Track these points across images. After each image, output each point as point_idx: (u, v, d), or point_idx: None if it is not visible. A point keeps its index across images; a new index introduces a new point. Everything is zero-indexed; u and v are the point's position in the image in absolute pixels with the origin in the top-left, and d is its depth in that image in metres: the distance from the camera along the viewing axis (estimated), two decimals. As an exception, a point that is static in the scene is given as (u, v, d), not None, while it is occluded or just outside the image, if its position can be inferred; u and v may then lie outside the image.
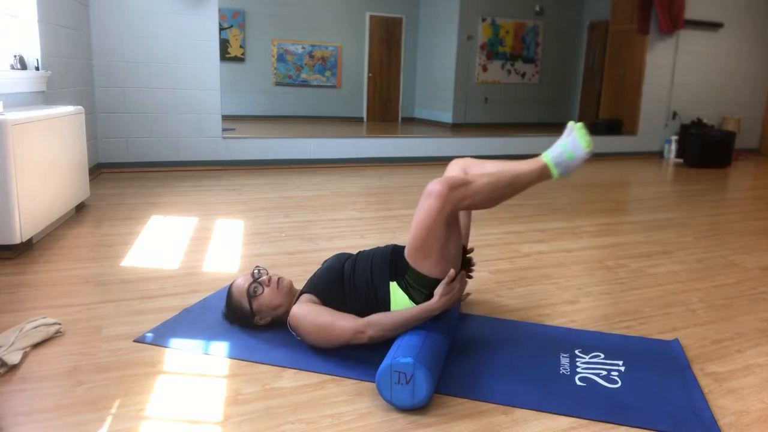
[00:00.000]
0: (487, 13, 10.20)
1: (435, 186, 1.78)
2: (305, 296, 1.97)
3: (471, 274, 2.20)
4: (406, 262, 1.91)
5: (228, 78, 9.40)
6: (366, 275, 1.95)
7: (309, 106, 10.78)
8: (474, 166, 2.10)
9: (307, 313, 1.87)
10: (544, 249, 3.30)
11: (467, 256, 2.15)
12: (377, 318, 1.81)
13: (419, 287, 1.88)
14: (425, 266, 1.86)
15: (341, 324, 1.81)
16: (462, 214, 2.10)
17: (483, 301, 2.48)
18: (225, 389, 1.72)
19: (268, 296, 2.00)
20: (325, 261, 2.18)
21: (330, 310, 1.88)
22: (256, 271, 2.06)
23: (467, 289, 2.60)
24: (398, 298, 1.90)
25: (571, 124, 1.97)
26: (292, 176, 5.49)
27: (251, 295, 2.00)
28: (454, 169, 2.15)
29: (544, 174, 1.92)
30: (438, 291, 1.82)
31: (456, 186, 1.78)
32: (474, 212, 4.11)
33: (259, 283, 2.01)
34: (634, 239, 3.59)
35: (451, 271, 1.80)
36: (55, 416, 1.55)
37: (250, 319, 2.04)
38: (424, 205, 1.80)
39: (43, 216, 3.10)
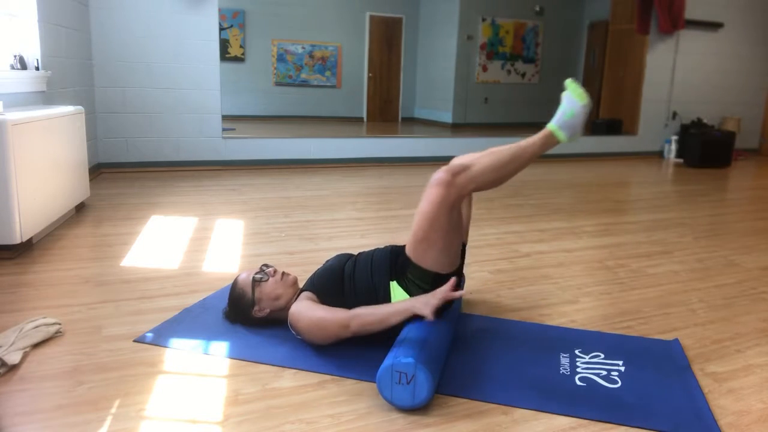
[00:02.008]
0: (487, 13, 10.20)
1: (438, 174, 1.80)
2: (304, 294, 1.98)
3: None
4: (407, 258, 1.91)
5: (228, 78, 9.40)
6: (366, 275, 1.96)
7: (309, 106, 10.78)
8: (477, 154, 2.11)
9: (303, 309, 1.88)
10: (544, 249, 3.30)
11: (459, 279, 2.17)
12: (360, 312, 1.81)
13: (420, 283, 1.88)
14: (427, 259, 1.87)
15: (330, 317, 1.83)
16: (463, 208, 2.10)
17: (483, 301, 2.48)
18: (225, 389, 1.72)
19: (271, 285, 2.04)
20: (327, 261, 2.18)
21: (324, 306, 1.89)
22: (263, 266, 2.11)
23: (469, 288, 2.60)
24: (398, 297, 1.90)
25: (566, 82, 1.97)
26: (292, 176, 5.49)
27: (256, 280, 2.03)
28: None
29: (549, 141, 1.91)
30: (432, 302, 1.76)
31: (458, 171, 1.79)
32: (474, 212, 4.12)
33: (265, 273, 2.06)
34: (634, 239, 3.59)
35: (452, 279, 1.78)
36: (55, 416, 1.55)
37: (249, 309, 2.05)
38: (428, 194, 1.81)
39: (43, 216, 3.10)
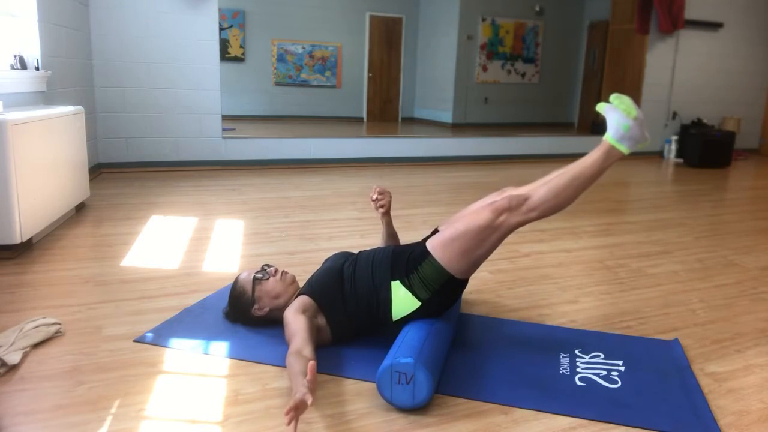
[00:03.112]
0: (487, 13, 10.20)
1: (503, 203, 1.83)
2: (300, 299, 1.97)
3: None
4: (426, 252, 1.92)
5: (228, 78, 9.39)
6: (367, 276, 1.96)
7: (309, 106, 10.78)
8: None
9: (288, 322, 1.87)
10: (544, 249, 3.30)
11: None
12: (292, 355, 1.67)
13: (430, 281, 1.88)
14: (452, 262, 1.88)
15: (291, 343, 1.77)
16: None
17: (483, 301, 2.48)
18: (225, 389, 1.72)
19: (271, 284, 2.05)
20: (326, 260, 2.18)
21: (304, 326, 1.81)
22: (264, 265, 2.13)
23: (469, 288, 2.60)
24: (400, 297, 1.90)
25: (611, 98, 1.93)
26: (292, 176, 5.49)
27: (257, 278, 2.05)
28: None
29: (612, 154, 1.89)
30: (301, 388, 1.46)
31: (515, 206, 1.82)
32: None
33: (266, 272, 2.08)
34: (634, 239, 3.59)
35: (311, 363, 1.49)
36: (55, 416, 1.55)
37: (249, 308, 2.05)
38: (484, 217, 1.83)
39: (43, 216, 3.10)
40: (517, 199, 1.84)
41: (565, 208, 1.90)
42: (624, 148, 1.89)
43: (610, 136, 1.90)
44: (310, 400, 1.40)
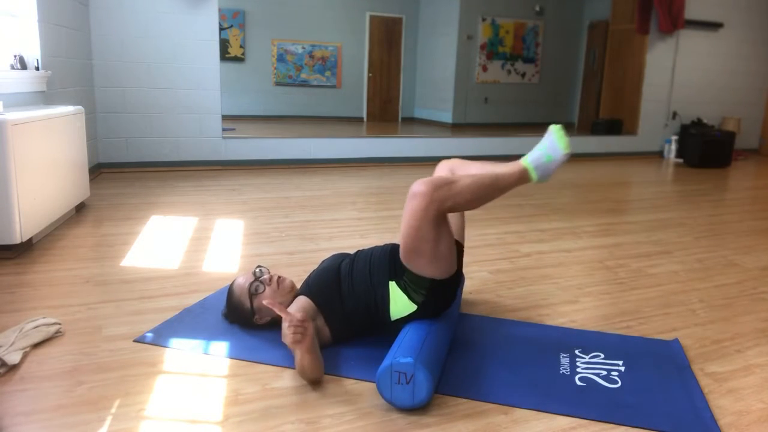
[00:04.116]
0: (487, 13, 10.20)
1: (419, 187, 1.76)
2: (298, 300, 1.97)
3: None
4: (402, 264, 1.90)
5: (228, 78, 9.39)
6: (365, 275, 1.95)
7: (309, 106, 10.78)
8: (460, 167, 2.10)
9: None
10: (544, 249, 3.30)
11: None
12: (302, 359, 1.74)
13: (417, 288, 1.88)
14: (419, 266, 1.86)
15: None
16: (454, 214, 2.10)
17: (483, 301, 2.48)
18: (225, 389, 1.72)
19: (268, 294, 2.00)
20: (323, 261, 2.18)
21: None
22: (257, 270, 2.07)
23: (469, 288, 2.60)
24: (397, 298, 1.90)
25: (551, 126, 1.95)
26: (292, 176, 5.49)
27: (252, 293, 2.00)
28: (442, 170, 2.15)
29: (523, 177, 1.89)
30: (292, 346, 1.73)
31: (440, 186, 1.76)
32: (473, 212, 4.12)
33: (261, 282, 2.02)
34: (634, 239, 3.59)
35: (298, 315, 1.71)
36: (55, 416, 1.55)
37: (250, 318, 2.04)
38: (409, 206, 1.78)
39: (43, 216, 3.10)
40: (440, 181, 1.78)
41: (473, 208, 1.87)
42: (534, 176, 1.90)
43: (528, 160, 1.90)
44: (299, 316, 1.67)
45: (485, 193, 1.84)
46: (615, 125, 7.87)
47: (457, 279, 1.95)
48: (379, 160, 6.42)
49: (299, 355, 1.71)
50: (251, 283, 2.02)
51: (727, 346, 2.11)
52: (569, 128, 10.46)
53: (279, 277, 2.06)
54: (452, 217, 2.05)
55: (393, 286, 1.91)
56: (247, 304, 2.02)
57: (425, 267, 1.85)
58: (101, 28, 5.14)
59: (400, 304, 1.90)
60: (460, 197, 1.79)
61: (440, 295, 1.91)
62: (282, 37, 10.44)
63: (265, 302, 1.74)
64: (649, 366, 1.92)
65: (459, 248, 2.04)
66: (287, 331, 1.70)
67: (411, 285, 1.88)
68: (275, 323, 2.04)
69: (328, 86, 10.90)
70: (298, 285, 2.15)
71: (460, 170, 2.07)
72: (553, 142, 1.90)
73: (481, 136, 7.20)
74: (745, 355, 2.04)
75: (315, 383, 1.74)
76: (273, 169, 5.84)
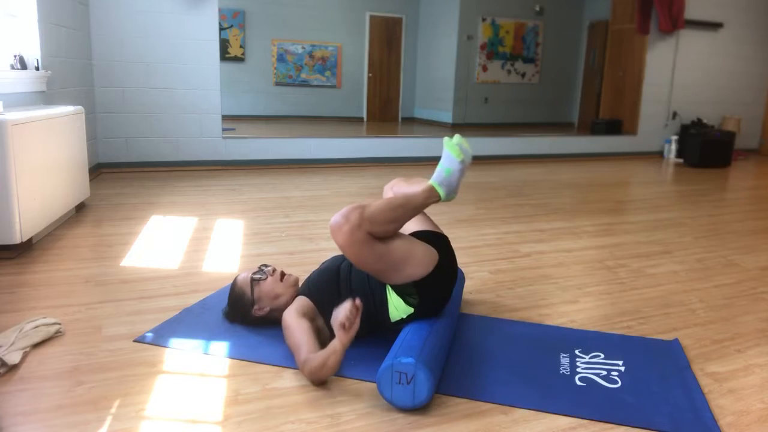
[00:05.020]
0: (487, 13, 10.20)
1: (334, 220, 1.77)
2: (298, 301, 1.98)
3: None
4: None
5: (228, 78, 9.39)
6: (363, 279, 1.95)
7: (309, 106, 10.78)
8: (398, 187, 2.12)
9: (289, 326, 1.87)
10: (544, 249, 3.30)
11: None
12: (309, 357, 1.74)
13: (407, 292, 1.88)
14: (393, 280, 1.86)
15: (298, 353, 1.79)
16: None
17: (483, 301, 2.48)
18: (225, 389, 1.72)
19: (270, 284, 2.05)
20: (323, 262, 2.18)
21: (307, 331, 1.84)
22: (262, 266, 2.12)
23: (469, 288, 2.60)
24: (395, 301, 1.90)
25: (444, 139, 1.96)
26: (292, 176, 5.49)
27: (254, 279, 2.04)
28: (386, 191, 2.20)
29: (431, 195, 1.91)
30: (342, 339, 1.69)
31: (350, 213, 1.76)
32: (473, 212, 4.12)
33: (264, 272, 2.07)
34: (634, 239, 3.59)
35: (348, 306, 1.68)
36: (55, 416, 1.55)
37: (249, 308, 2.05)
38: (337, 243, 1.78)
39: (43, 216, 3.10)
40: (353, 207, 1.78)
41: (393, 228, 1.84)
42: (441, 192, 1.91)
43: (433, 179, 1.93)
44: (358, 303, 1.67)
45: (397, 214, 1.84)
46: (615, 125, 7.87)
47: (446, 271, 1.92)
48: (379, 160, 6.42)
49: (334, 348, 1.68)
50: (254, 272, 2.08)
51: (727, 346, 2.11)
52: (569, 128, 10.48)
53: (283, 271, 2.11)
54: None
55: (389, 290, 1.90)
56: (248, 293, 2.04)
57: (397, 277, 1.85)
58: (101, 28, 5.14)
59: (397, 307, 1.90)
60: (375, 219, 1.77)
61: (433, 294, 1.91)
62: (282, 37, 10.44)
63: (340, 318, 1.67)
64: (649, 366, 1.92)
65: (439, 238, 2.02)
66: (343, 312, 1.66)
67: (402, 291, 1.88)
68: (274, 319, 2.04)
69: (328, 86, 10.90)
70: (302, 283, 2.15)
71: (397, 190, 2.10)
72: (448, 154, 1.92)
73: (481, 136, 7.20)
74: (745, 355, 2.04)
75: (320, 384, 1.74)
76: (273, 169, 5.84)
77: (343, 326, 1.66)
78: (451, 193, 1.94)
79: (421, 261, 1.86)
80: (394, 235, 1.86)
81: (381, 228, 1.80)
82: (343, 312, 1.66)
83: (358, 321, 1.68)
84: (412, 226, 2.07)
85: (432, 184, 1.92)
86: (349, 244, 1.75)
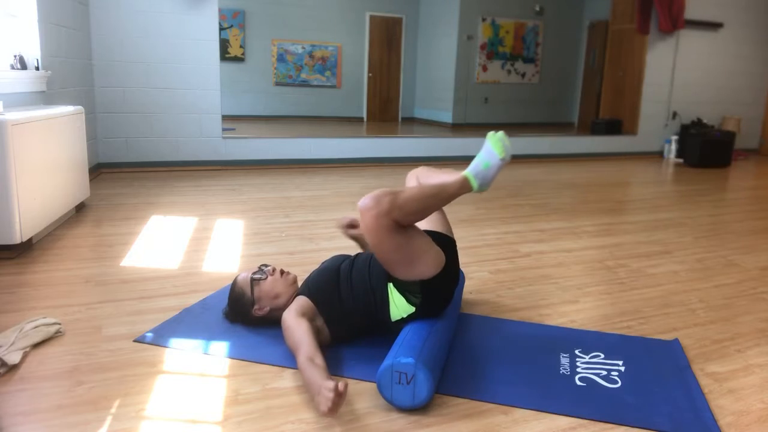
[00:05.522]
0: (487, 13, 10.20)
1: (363, 202, 1.77)
2: (298, 301, 1.97)
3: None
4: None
5: (228, 78, 9.39)
6: (364, 277, 1.95)
7: (309, 106, 10.78)
8: (424, 176, 2.13)
9: (289, 326, 1.86)
10: (544, 249, 3.30)
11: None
12: (304, 365, 1.68)
13: (411, 290, 1.88)
14: (402, 274, 1.86)
15: (297, 353, 1.76)
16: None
17: (483, 301, 2.48)
18: (225, 389, 1.72)
19: (269, 283, 2.05)
20: (323, 262, 2.18)
21: (307, 331, 1.82)
22: (262, 266, 2.12)
23: (469, 288, 2.60)
24: (396, 300, 1.90)
25: (489, 134, 1.98)
26: (292, 176, 5.49)
27: (254, 279, 2.04)
28: (410, 179, 2.20)
29: (464, 186, 1.93)
30: (321, 406, 1.51)
31: (382, 198, 1.77)
32: (473, 213, 4.12)
33: (264, 272, 2.08)
34: (634, 239, 3.59)
35: (340, 384, 1.50)
36: (55, 416, 1.55)
37: (249, 308, 2.05)
38: (362, 225, 1.80)
39: (43, 216, 3.10)
40: (384, 192, 1.79)
41: (420, 218, 1.87)
42: (475, 184, 1.94)
43: (468, 171, 1.95)
44: (342, 386, 1.49)
45: (428, 204, 1.87)
46: (615, 125, 7.87)
47: (451, 274, 1.94)
48: (379, 160, 6.42)
49: (318, 390, 1.55)
50: (254, 273, 2.08)
51: (727, 346, 2.11)
52: (569, 128, 10.48)
53: (282, 269, 2.11)
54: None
55: (391, 288, 1.91)
56: (249, 292, 2.04)
57: (407, 272, 1.86)
58: (101, 28, 5.14)
59: (399, 306, 1.90)
60: (406, 207, 1.79)
61: (436, 295, 1.91)
62: (282, 37, 10.43)
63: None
64: (649, 366, 1.92)
65: (448, 241, 2.03)
66: (324, 398, 1.50)
67: (405, 288, 1.88)
68: (274, 319, 2.04)
69: (328, 86, 10.90)
70: (301, 282, 2.15)
71: (423, 179, 2.12)
72: (489, 148, 1.95)
73: (481, 136, 7.16)
74: (745, 355, 2.04)
75: None
76: (273, 169, 5.84)
77: (330, 412, 1.50)
78: (484, 186, 1.96)
79: (432, 262, 1.87)
80: (415, 231, 1.87)
81: (409, 217, 1.82)
82: (324, 402, 1.49)
83: (341, 403, 1.52)
84: (425, 224, 2.06)
85: (467, 176, 1.93)
86: (375, 228, 1.76)
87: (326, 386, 1.50)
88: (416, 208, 1.83)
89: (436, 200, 1.90)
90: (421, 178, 2.14)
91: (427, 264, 1.86)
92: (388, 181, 5.41)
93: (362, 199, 1.79)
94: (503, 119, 10.74)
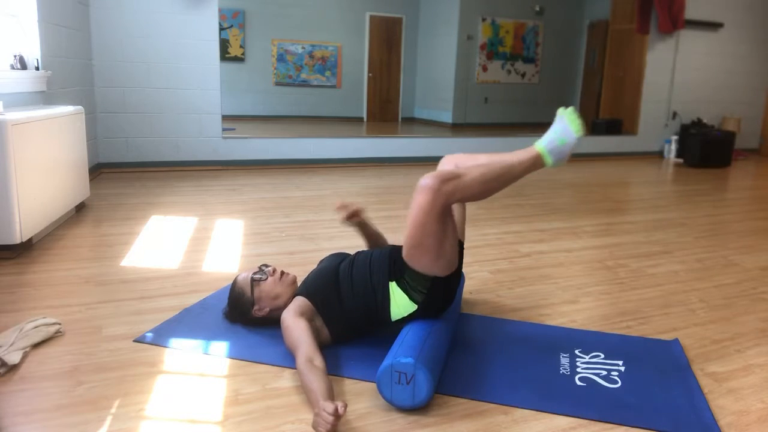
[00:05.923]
0: (487, 13, 10.20)
1: (426, 180, 1.74)
2: (297, 300, 1.97)
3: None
4: (404, 262, 1.90)
5: (228, 78, 9.40)
6: (365, 275, 1.95)
7: (309, 106, 10.78)
8: (466, 159, 2.07)
9: (288, 327, 1.85)
10: (544, 249, 3.30)
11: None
12: (305, 365, 1.68)
13: (418, 288, 1.88)
14: (423, 264, 1.85)
15: (297, 353, 1.75)
16: (456, 208, 2.08)
17: (483, 301, 2.48)
18: (225, 389, 1.72)
19: (270, 284, 2.04)
20: (321, 261, 2.18)
21: (306, 331, 1.81)
22: (262, 266, 2.11)
23: (469, 288, 2.60)
24: (398, 298, 1.90)
25: (560, 110, 1.92)
26: (292, 176, 5.49)
27: (254, 279, 2.04)
28: (447, 164, 2.12)
29: (537, 163, 1.87)
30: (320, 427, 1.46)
31: (447, 179, 1.74)
32: (473, 213, 4.12)
33: (264, 272, 2.07)
34: (634, 239, 3.59)
35: (340, 407, 1.45)
36: (55, 416, 1.55)
37: (249, 308, 2.05)
38: (416, 201, 1.76)
39: (43, 216, 3.10)
40: (447, 175, 1.75)
41: (485, 198, 1.84)
42: (549, 161, 1.88)
43: (541, 145, 1.88)
44: (342, 409, 1.44)
45: (495, 184, 1.82)
46: (615, 125, 7.87)
47: (457, 277, 1.95)
48: (379, 160, 6.42)
49: (317, 400, 1.54)
50: (254, 272, 2.07)
51: (727, 346, 2.11)
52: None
53: (282, 270, 2.10)
54: (455, 215, 2.04)
55: (393, 286, 1.91)
56: (248, 293, 2.04)
57: (428, 264, 1.84)
58: (101, 28, 5.14)
59: (400, 305, 1.90)
60: (469, 189, 1.77)
61: (440, 294, 1.91)
62: (282, 37, 10.44)
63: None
64: (649, 366, 1.92)
65: (460, 246, 2.04)
66: (323, 421, 1.44)
67: (411, 284, 1.88)
68: (274, 319, 2.04)
69: (328, 86, 10.90)
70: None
71: (467, 162, 2.03)
72: (566, 125, 1.88)
73: (481, 136, 7.20)
74: (745, 355, 2.04)
75: None
76: (273, 169, 5.84)
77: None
78: (560, 162, 1.90)
79: (451, 262, 1.88)
80: (453, 229, 1.84)
81: (471, 198, 1.80)
82: (323, 424, 1.44)
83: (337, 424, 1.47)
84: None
85: (540, 152, 1.86)
86: (429, 208, 1.73)
87: (327, 409, 1.44)
88: (479, 190, 1.79)
89: (505, 180, 1.83)
90: (462, 164, 2.03)
91: (444, 264, 1.85)
92: (389, 181, 5.42)
93: (424, 177, 1.74)
94: (503, 119, 10.74)
